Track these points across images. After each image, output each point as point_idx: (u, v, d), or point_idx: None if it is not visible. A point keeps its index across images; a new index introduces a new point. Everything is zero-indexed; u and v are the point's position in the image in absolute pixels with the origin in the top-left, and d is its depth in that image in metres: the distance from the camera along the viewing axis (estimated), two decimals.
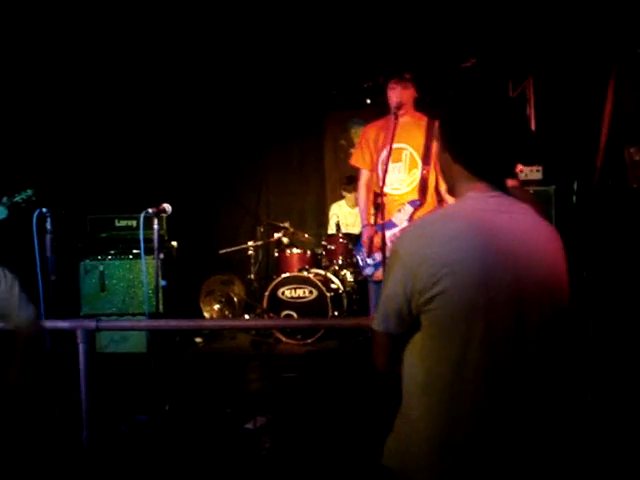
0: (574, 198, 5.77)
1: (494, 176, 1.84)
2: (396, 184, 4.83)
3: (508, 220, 1.78)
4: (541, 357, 1.77)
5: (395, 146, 4.68)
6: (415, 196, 4.76)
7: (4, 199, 5.50)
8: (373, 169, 4.96)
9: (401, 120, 4.68)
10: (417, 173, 4.75)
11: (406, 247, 1.78)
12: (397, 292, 1.77)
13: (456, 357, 1.71)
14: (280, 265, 7.96)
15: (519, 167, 5.45)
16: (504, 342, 1.71)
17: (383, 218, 4.61)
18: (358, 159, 5.04)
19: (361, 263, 5.02)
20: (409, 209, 4.74)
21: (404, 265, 1.75)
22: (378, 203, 4.58)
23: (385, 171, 4.57)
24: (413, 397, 1.83)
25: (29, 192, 5.38)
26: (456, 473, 1.74)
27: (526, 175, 5.92)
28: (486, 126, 1.79)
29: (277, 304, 7.45)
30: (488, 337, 1.70)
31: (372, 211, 4.94)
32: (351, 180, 8.22)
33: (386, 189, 4.74)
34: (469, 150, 1.83)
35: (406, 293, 1.75)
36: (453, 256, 1.69)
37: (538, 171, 5.94)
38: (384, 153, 4.69)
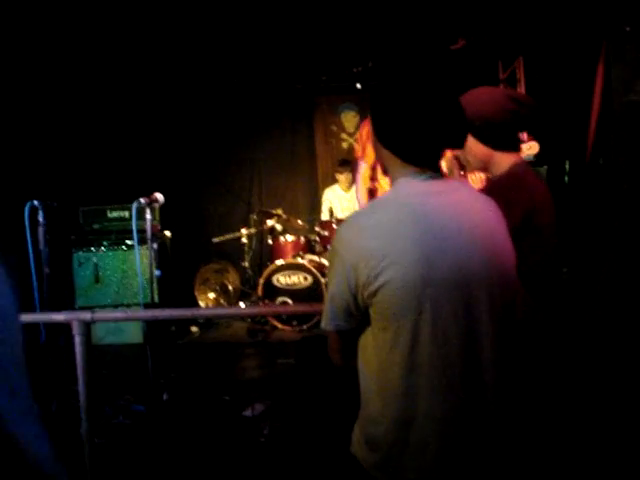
0: (566, 178, 5.78)
1: (425, 159, 1.79)
2: None
3: (442, 201, 1.76)
4: (495, 335, 1.75)
5: None
6: None
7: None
8: (373, 162, 5.00)
9: None
10: None
11: (343, 242, 1.76)
12: (341, 289, 1.74)
13: (406, 345, 1.68)
14: (274, 252, 7.96)
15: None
16: (454, 325, 1.69)
17: None
18: (360, 151, 5.09)
19: None
20: None
21: (343, 261, 1.73)
22: (370, 188, 4.59)
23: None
24: (369, 389, 1.81)
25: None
26: (411, 468, 1.73)
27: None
28: (409, 112, 1.75)
29: (272, 291, 7.46)
30: (436, 322, 1.67)
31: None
32: (344, 162, 8.22)
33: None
34: (394, 136, 1.79)
35: (350, 288, 1.72)
36: (391, 246, 1.67)
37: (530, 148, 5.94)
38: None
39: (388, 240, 1.67)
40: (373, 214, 1.77)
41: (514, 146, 2.51)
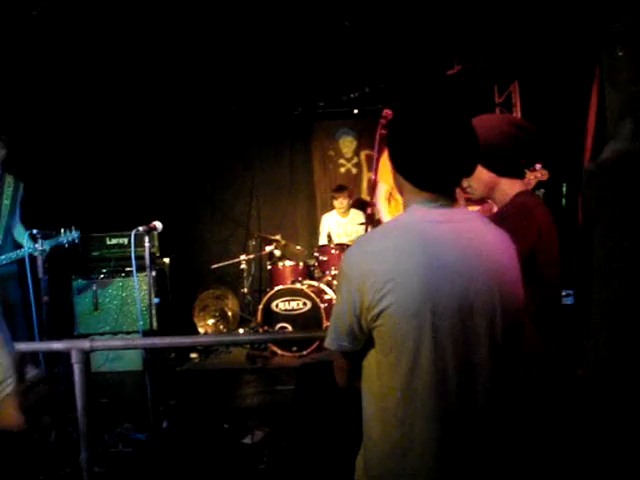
0: (564, 201, 5.80)
1: (439, 187, 1.80)
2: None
3: (452, 230, 1.77)
4: (493, 366, 1.76)
5: None
6: None
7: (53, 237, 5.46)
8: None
9: None
10: None
11: (350, 264, 1.77)
12: (346, 310, 1.76)
13: (406, 371, 1.70)
14: (273, 278, 7.95)
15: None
16: (453, 352, 1.70)
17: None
18: (383, 175, 5.15)
19: None
20: None
21: (349, 283, 1.75)
22: (368, 215, 4.63)
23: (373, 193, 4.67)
24: (370, 415, 1.82)
25: (75, 235, 5.34)
26: None
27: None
28: (423, 140, 1.76)
29: (271, 317, 7.44)
30: (436, 348, 1.68)
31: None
32: (341, 188, 8.25)
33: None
34: (407, 163, 1.81)
35: (355, 310, 1.74)
36: (396, 270, 1.68)
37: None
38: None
39: (393, 265, 1.69)
40: (381, 238, 1.79)
41: (518, 173, 2.52)
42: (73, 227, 5.38)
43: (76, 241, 5.35)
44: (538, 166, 5.11)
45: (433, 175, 1.78)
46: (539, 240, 2.35)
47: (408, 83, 7.69)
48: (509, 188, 2.48)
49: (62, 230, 5.33)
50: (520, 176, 2.52)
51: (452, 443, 1.71)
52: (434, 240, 1.73)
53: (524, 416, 2.16)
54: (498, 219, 2.38)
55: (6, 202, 5.58)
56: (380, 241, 1.78)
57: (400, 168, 1.83)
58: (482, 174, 2.48)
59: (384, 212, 5.25)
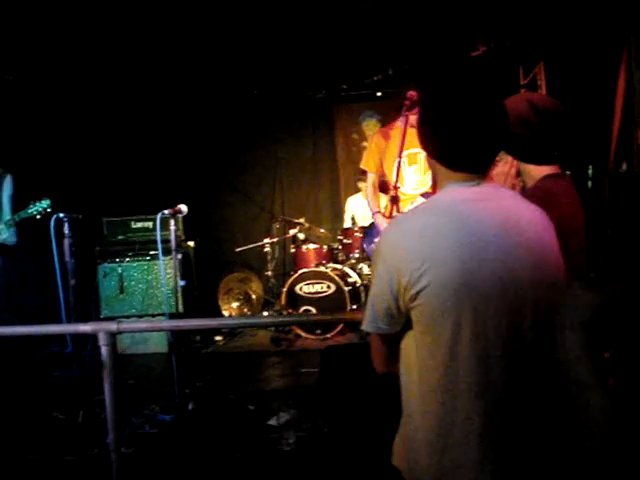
0: (589, 183, 5.73)
1: (474, 166, 1.78)
2: (414, 184, 5.01)
3: (489, 208, 1.74)
4: (538, 342, 1.74)
5: (411, 151, 4.84)
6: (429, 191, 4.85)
7: (8, 219, 5.55)
8: (380, 172, 5.18)
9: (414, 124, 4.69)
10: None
11: (387, 244, 1.76)
12: (383, 290, 1.74)
13: (447, 350, 1.68)
14: (297, 261, 7.98)
15: None
16: (495, 331, 1.68)
17: (399, 210, 4.64)
18: (367, 163, 5.24)
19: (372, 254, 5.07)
20: (421, 201, 4.76)
21: (386, 262, 1.73)
22: (393, 196, 4.60)
23: (397, 175, 4.63)
24: (411, 396, 1.80)
25: (45, 204, 5.41)
26: (454, 473, 1.71)
27: None
28: (452, 119, 1.73)
29: (295, 300, 7.47)
30: (477, 327, 1.66)
31: (387, 205, 4.99)
32: None
33: (404, 189, 4.93)
34: (439, 145, 1.79)
35: (392, 290, 1.72)
36: (433, 250, 1.66)
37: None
38: (397, 159, 4.74)
39: (431, 244, 1.67)
40: (417, 218, 1.78)
41: (541, 159, 2.43)
42: (43, 197, 5.44)
43: (48, 210, 5.38)
44: None
45: (466, 156, 1.76)
46: (559, 228, 2.30)
47: (432, 65, 7.63)
48: (533, 172, 2.43)
49: (32, 202, 5.41)
50: (545, 162, 2.43)
51: (495, 419, 1.70)
52: (471, 218, 1.71)
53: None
54: None
55: None
56: (417, 219, 1.76)
57: (433, 151, 1.81)
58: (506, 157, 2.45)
59: (370, 195, 5.27)
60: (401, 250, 1.70)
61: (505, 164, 2.53)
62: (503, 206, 1.78)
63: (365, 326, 1.81)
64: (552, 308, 1.78)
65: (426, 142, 1.83)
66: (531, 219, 1.80)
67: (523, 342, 1.72)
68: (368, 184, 5.30)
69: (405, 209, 4.81)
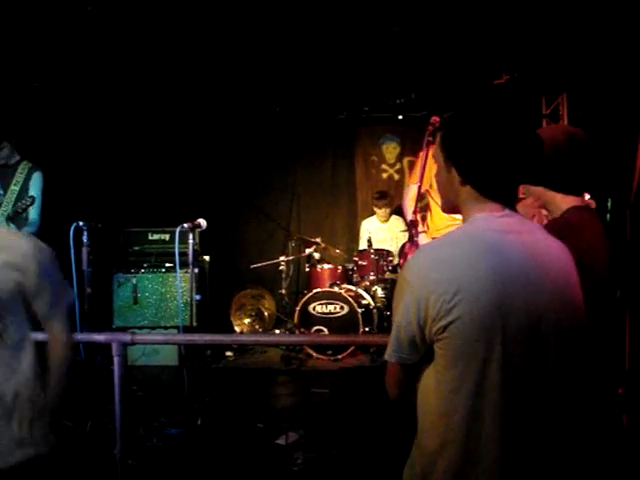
0: (608, 216, 5.71)
1: (504, 196, 1.77)
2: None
3: (518, 240, 1.72)
4: (562, 379, 1.72)
5: None
6: None
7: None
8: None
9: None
10: None
11: (415, 273, 1.72)
12: (410, 320, 1.69)
13: (473, 387, 1.64)
14: (311, 280, 7.98)
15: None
16: (522, 368, 1.66)
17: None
18: (413, 177, 5.19)
19: None
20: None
21: (414, 292, 1.68)
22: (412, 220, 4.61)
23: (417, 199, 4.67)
24: (429, 428, 1.75)
25: (29, 200, 5.35)
26: None
27: None
28: (499, 144, 1.72)
29: (308, 319, 7.46)
30: (506, 364, 1.63)
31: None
32: (382, 195, 8.24)
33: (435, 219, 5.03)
34: (482, 171, 1.75)
35: (419, 321, 1.67)
36: (465, 281, 1.63)
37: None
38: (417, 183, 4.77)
39: (462, 275, 1.64)
40: (448, 247, 1.75)
41: (569, 189, 2.42)
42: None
43: (35, 201, 5.36)
44: (587, 196, 5.05)
45: (501, 178, 1.75)
46: (579, 262, 2.28)
47: (455, 91, 7.65)
48: (559, 202, 2.41)
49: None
50: (571, 192, 2.41)
51: (517, 462, 1.67)
52: (502, 250, 1.69)
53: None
54: None
55: (14, 188, 5.61)
56: (447, 249, 1.73)
57: (467, 174, 1.78)
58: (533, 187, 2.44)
59: (409, 212, 5.23)
60: (431, 279, 1.66)
61: (528, 197, 2.53)
62: (531, 239, 1.76)
63: (389, 356, 1.78)
64: (574, 343, 1.76)
65: (462, 165, 1.79)
66: (556, 253, 1.80)
67: (548, 380, 1.70)
68: (408, 197, 5.29)
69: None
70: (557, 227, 2.32)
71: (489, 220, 1.75)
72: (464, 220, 1.84)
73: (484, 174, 1.76)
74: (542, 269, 1.71)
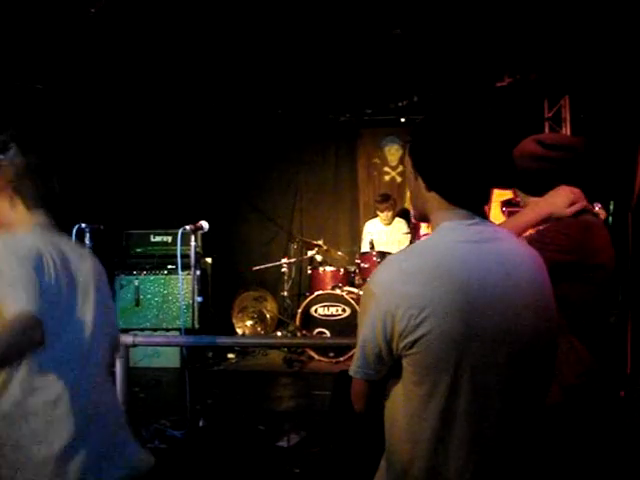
0: (610, 219, 5.71)
1: (471, 203, 1.70)
2: None
3: (489, 250, 1.65)
4: (534, 392, 1.69)
5: None
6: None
7: None
8: None
9: None
10: None
11: (381, 286, 1.63)
12: (375, 335, 1.61)
13: (442, 401, 1.58)
14: (313, 283, 7.98)
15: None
16: (494, 383, 1.60)
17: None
18: None
19: None
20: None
21: (380, 305, 1.60)
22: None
23: None
24: (396, 444, 1.70)
25: None
26: None
27: None
28: (463, 150, 1.66)
29: (310, 321, 7.46)
30: (476, 377, 1.58)
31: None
32: (385, 198, 8.21)
33: None
34: (446, 177, 1.68)
35: (385, 336, 1.59)
36: (433, 295, 1.55)
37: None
38: None
39: (430, 288, 1.56)
40: (415, 258, 1.66)
41: (540, 191, 2.41)
42: None
43: None
44: (597, 206, 5.05)
45: (468, 184, 1.69)
46: (592, 260, 2.27)
47: (457, 93, 7.65)
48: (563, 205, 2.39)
49: None
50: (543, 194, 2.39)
51: (488, 468, 1.62)
52: (473, 262, 1.61)
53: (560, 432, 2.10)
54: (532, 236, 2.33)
55: None
56: (414, 261, 1.64)
57: (432, 181, 1.71)
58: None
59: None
60: (397, 293, 1.58)
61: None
62: (503, 248, 1.70)
63: (354, 372, 1.69)
64: (547, 356, 1.73)
65: (427, 171, 1.72)
66: (529, 262, 1.73)
67: (520, 395, 1.65)
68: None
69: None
70: (573, 226, 2.30)
71: (459, 230, 1.68)
72: (432, 228, 1.76)
73: (447, 179, 1.69)
74: (514, 280, 1.65)
